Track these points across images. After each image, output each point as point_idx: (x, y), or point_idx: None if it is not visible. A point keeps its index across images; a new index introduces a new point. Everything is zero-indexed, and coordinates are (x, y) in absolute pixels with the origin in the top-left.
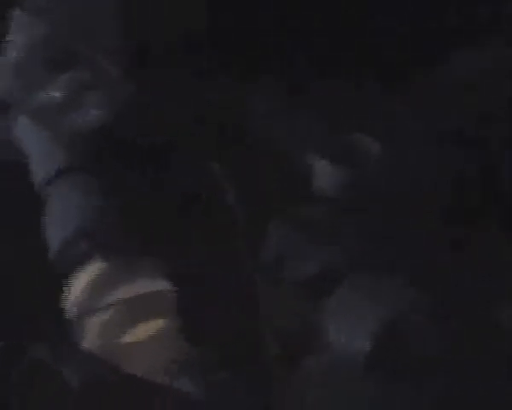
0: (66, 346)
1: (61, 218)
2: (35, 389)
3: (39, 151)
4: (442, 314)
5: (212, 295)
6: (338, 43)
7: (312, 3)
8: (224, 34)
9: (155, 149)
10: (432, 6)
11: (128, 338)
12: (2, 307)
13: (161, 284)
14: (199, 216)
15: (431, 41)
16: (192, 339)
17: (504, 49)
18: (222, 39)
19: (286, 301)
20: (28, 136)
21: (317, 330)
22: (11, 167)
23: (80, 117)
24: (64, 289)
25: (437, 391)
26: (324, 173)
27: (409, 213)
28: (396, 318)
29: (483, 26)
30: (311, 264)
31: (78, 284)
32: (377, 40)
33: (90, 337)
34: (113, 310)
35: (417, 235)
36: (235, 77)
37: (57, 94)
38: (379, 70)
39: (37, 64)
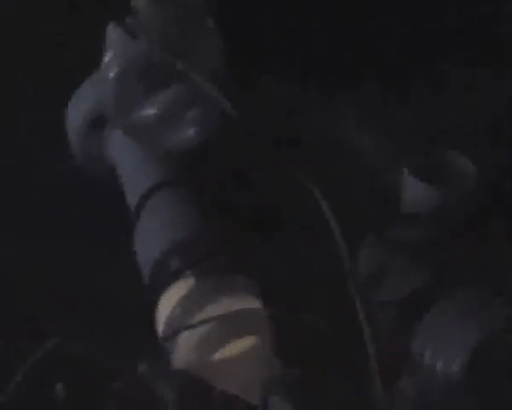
0: (161, 363)
1: (155, 234)
2: (132, 405)
3: (133, 168)
4: None
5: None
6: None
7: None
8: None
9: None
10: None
11: (220, 355)
12: (106, 325)
13: (253, 302)
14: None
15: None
16: (285, 357)
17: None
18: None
19: (378, 322)
20: (122, 153)
21: (412, 353)
22: (103, 185)
23: (176, 134)
24: (157, 305)
25: None
26: (417, 192)
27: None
28: (490, 339)
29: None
30: (404, 285)
31: (170, 301)
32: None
33: (182, 354)
34: (205, 327)
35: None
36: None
37: (153, 111)
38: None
39: (135, 81)
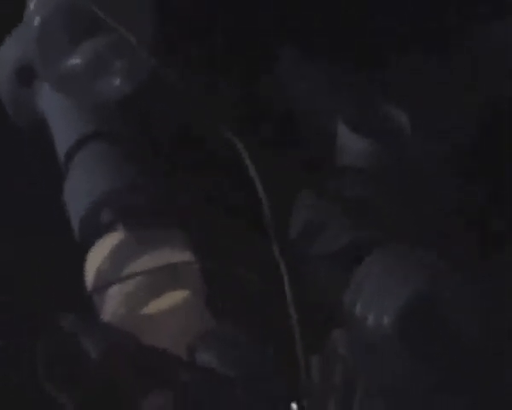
0: (87, 316)
1: (84, 186)
2: (58, 358)
3: (63, 120)
4: (471, 290)
5: (239, 269)
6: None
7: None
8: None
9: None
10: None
11: (150, 309)
12: (25, 277)
13: (186, 256)
14: (224, 189)
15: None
16: (217, 312)
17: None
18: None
19: (313, 275)
20: (52, 104)
21: (344, 304)
22: (34, 137)
23: (102, 85)
24: (86, 258)
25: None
26: (353, 145)
27: (439, 187)
28: (425, 292)
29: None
30: (340, 237)
31: (100, 254)
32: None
33: (112, 307)
34: (135, 280)
35: (446, 209)
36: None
37: (79, 61)
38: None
39: (60, 30)
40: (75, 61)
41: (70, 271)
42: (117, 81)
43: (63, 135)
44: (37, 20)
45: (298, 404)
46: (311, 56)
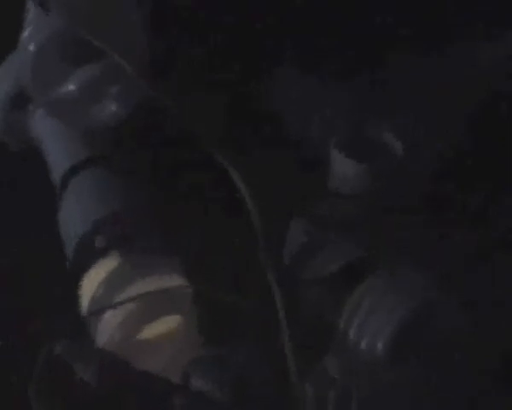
0: (82, 342)
1: (78, 213)
2: (51, 384)
3: (57, 146)
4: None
5: (231, 294)
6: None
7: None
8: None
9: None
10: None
11: (145, 334)
12: (21, 304)
13: (179, 281)
14: (216, 213)
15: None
16: (209, 337)
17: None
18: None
19: (306, 300)
20: (46, 130)
21: (338, 329)
22: (29, 163)
23: (97, 111)
24: (81, 284)
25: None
26: (345, 170)
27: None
28: (414, 319)
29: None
30: (332, 261)
31: (95, 280)
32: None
33: (106, 333)
34: (129, 306)
35: (440, 233)
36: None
37: (74, 87)
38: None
39: (55, 58)
40: (70, 87)
41: (65, 296)
42: (113, 106)
43: (57, 161)
44: (32, 47)
45: None
46: (305, 76)
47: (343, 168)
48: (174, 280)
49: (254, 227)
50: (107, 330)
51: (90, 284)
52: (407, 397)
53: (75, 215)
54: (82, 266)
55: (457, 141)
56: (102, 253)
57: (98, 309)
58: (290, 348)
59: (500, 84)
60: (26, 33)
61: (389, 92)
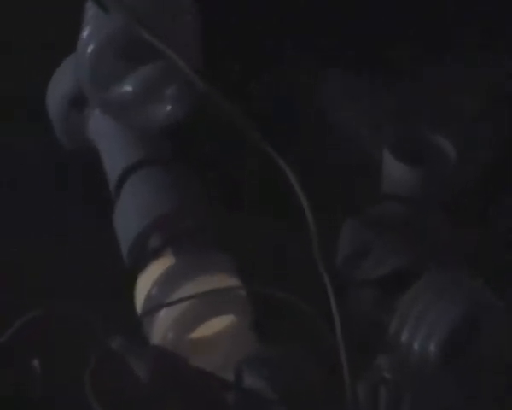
0: (137, 339)
1: (133, 212)
2: (106, 378)
3: (113, 146)
4: None
5: (285, 294)
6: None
7: None
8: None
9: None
10: None
11: (197, 333)
12: (76, 302)
13: (233, 281)
14: (270, 213)
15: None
16: (262, 336)
17: None
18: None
19: (358, 301)
20: (103, 131)
21: (390, 330)
22: (85, 163)
23: (153, 112)
24: (136, 283)
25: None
26: (397, 173)
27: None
28: (465, 321)
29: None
30: (384, 263)
31: (150, 278)
32: None
33: (160, 332)
34: (184, 305)
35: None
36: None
37: (131, 88)
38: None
39: (113, 58)
40: (127, 87)
41: (120, 295)
42: (168, 107)
43: (114, 161)
44: (90, 47)
45: None
46: (355, 82)
47: (395, 171)
48: (227, 280)
49: (310, 227)
50: (160, 328)
51: (145, 282)
52: (458, 398)
53: (130, 215)
54: (137, 265)
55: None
56: (157, 252)
57: (153, 308)
58: (343, 349)
59: None
60: (84, 33)
61: (442, 97)
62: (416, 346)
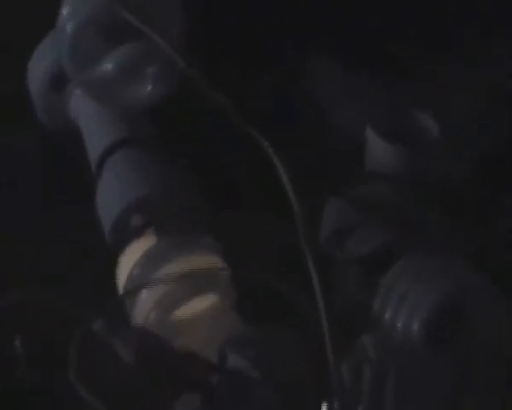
0: (120, 319)
1: (115, 191)
2: (90, 361)
3: (94, 126)
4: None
5: (267, 275)
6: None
7: None
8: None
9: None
10: None
11: (180, 313)
12: (58, 280)
13: (215, 260)
14: (254, 195)
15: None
16: (246, 316)
17: None
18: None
19: (342, 280)
20: (83, 110)
21: (373, 309)
22: (67, 142)
23: (134, 91)
24: (117, 263)
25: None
26: (381, 151)
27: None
28: (453, 299)
29: None
30: (368, 242)
31: (131, 258)
32: None
33: (143, 312)
34: (166, 285)
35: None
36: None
37: (111, 67)
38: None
39: (93, 37)
40: (107, 66)
41: (102, 275)
42: (148, 87)
43: (95, 140)
44: (69, 26)
45: (328, 406)
46: (342, 64)
47: (379, 150)
48: (210, 261)
49: (294, 211)
50: (143, 309)
51: (127, 262)
52: (442, 376)
53: (111, 194)
54: (118, 245)
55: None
56: (139, 232)
57: (134, 288)
58: (327, 329)
59: None
60: (64, 12)
61: (427, 76)
62: (399, 325)
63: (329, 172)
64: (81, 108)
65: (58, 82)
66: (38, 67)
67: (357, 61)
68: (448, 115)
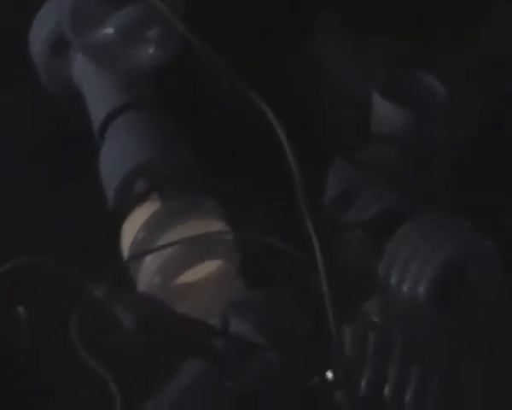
0: (122, 286)
1: (118, 156)
2: (91, 327)
3: (96, 90)
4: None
5: (271, 239)
6: None
7: None
8: None
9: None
10: None
11: (185, 278)
12: (62, 248)
13: (219, 225)
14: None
15: None
16: (249, 281)
17: None
18: None
19: (346, 244)
20: (86, 75)
21: (379, 272)
22: (70, 106)
23: (135, 54)
24: (121, 228)
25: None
26: (386, 113)
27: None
28: (454, 261)
29: None
30: (373, 205)
31: (135, 224)
32: None
33: (147, 277)
34: (170, 250)
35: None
36: None
37: (112, 30)
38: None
39: (93, 1)
40: (108, 30)
41: (106, 240)
42: (150, 50)
43: (98, 105)
44: None
45: (333, 373)
46: (348, 24)
47: (384, 111)
48: (214, 225)
49: (293, 174)
50: (147, 273)
51: (131, 228)
52: (448, 339)
53: (114, 159)
54: (122, 210)
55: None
56: (142, 197)
57: (139, 253)
58: (327, 293)
59: None
60: None
61: (432, 39)
62: (404, 288)
63: (334, 136)
64: (83, 72)
65: (60, 46)
66: (40, 33)
67: (362, 22)
68: (454, 78)
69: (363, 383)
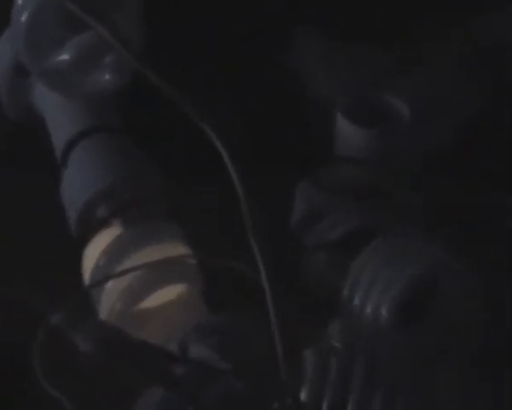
0: (81, 313)
1: (80, 182)
2: (51, 355)
3: (56, 117)
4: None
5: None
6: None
7: None
8: None
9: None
10: None
11: (147, 304)
12: (22, 275)
13: (182, 249)
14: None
15: None
16: (212, 306)
17: None
18: None
19: (310, 266)
20: (46, 101)
21: (342, 295)
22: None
23: (93, 80)
24: (83, 254)
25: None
26: (350, 135)
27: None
28: (417, 284)
29: None
30: (337, 227)
31: (97, 249)
32: None
33: (108, 303)
34: (131, 275)
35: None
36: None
37: (68, 56)
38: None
39: (48, 27)
40: (64, 56)
41: (67, 267)
42: (106, 75)
43: (59, 130)
44: (24, 16)
45: (293, 399)
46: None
47: (348, 132)
48: (176, 249)
49: (240, 198)
50: (108, 300)
51: (93, 253)
52: (411, 361)
53: (76, 185)
54: (84, 236)
55: (472, 114)
56: (104, 222)
57: (100, 279)
58: (278, 320)
59: None
60: (18, 2)
61: (399, 57)
62: (368, 310)
63: (298, 156)
64: (44, 98)
65: (20, 74)
66: (2, 57)
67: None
68: (419, 99)
69: (324, 408)
